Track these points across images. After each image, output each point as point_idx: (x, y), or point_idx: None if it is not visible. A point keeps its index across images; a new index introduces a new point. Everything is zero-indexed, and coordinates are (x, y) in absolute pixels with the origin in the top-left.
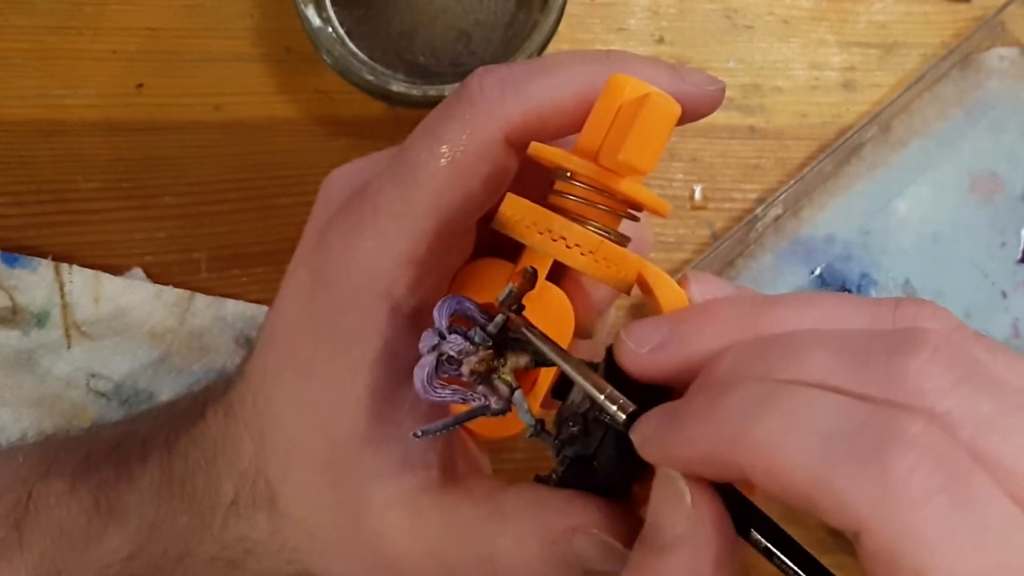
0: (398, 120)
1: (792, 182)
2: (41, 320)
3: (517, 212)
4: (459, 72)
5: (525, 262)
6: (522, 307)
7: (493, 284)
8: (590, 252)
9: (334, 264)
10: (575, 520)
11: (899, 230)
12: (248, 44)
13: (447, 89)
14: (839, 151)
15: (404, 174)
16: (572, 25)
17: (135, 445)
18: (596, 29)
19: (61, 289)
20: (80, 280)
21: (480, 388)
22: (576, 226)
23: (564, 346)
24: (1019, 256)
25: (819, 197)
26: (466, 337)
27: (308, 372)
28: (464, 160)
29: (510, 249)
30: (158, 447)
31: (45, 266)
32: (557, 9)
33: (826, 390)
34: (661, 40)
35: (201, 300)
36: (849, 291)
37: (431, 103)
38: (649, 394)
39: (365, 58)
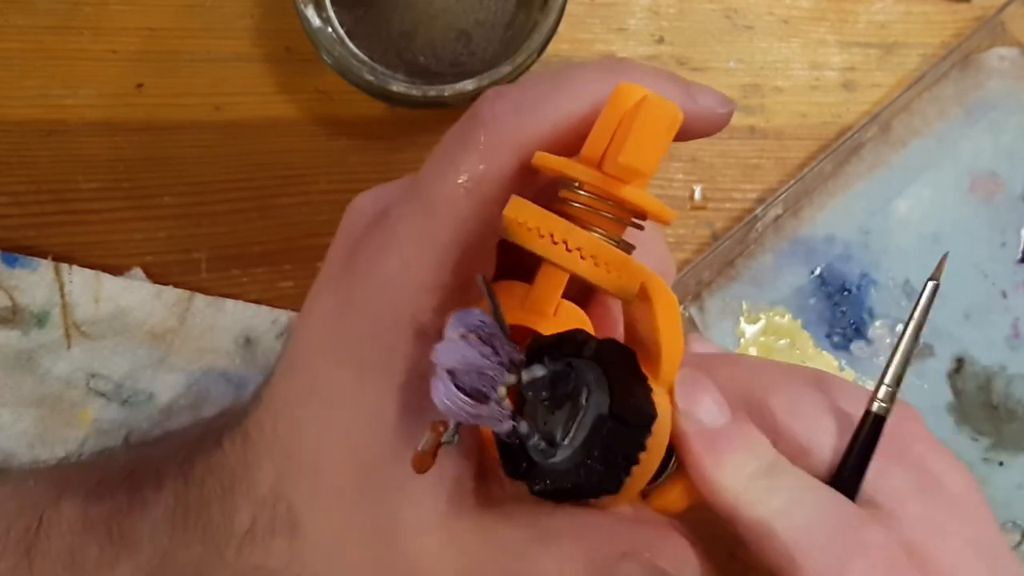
0: (398, 120)
1: (792, 182)
2: (41, 320)
3: (520, 215)
4: (459, 72)
5: (541, 280)
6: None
7: (509, 306)
8: (591, 257)
9: (359, 290)
10: (624, 544)
11: (899, 230)
12: (248, 44)
13: (447, 89)
14: (839, 151)
15: (425, 203)
16: (572, 25)
17: (149, 472)
18: (596, 29)
19: (61, 289)
20: (80, 280)
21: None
22: (578, 230)
23: None
24: (1019, 256)
25: (819, 197)
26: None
27: (334, 397)
28: (483, 190)
29: (530, 268)
30: (172, 475)
31: (45, 266)
32: (557, 9)
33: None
34: (661, 40)
35: (201, 300)
36: (849, 291)
37: (431, 103)
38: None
39: (365, 58)
